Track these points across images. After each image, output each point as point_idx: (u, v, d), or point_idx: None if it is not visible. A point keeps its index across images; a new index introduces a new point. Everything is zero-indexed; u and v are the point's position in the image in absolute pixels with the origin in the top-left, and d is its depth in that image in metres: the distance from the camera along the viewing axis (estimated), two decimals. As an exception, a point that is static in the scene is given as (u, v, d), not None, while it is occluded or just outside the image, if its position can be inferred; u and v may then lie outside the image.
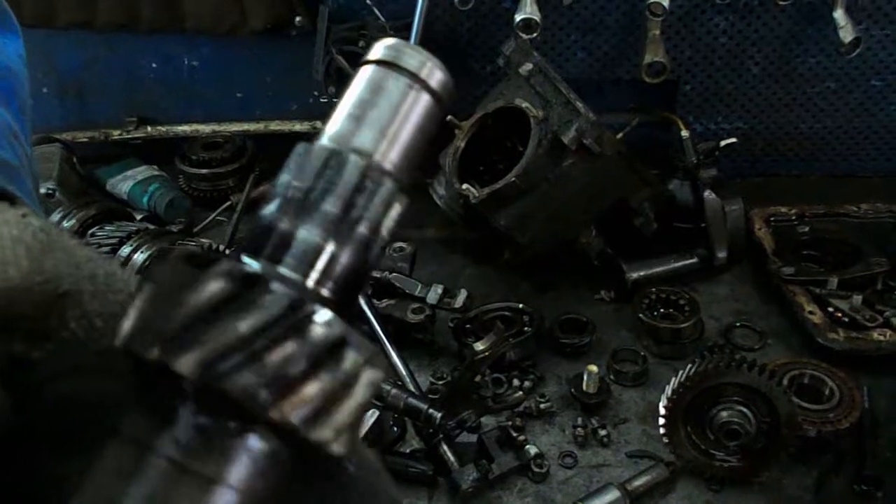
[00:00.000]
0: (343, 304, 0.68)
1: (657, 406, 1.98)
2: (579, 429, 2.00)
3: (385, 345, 2.15)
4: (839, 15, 2.42)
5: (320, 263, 0.63)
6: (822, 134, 2.81)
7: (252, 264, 0.64)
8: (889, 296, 2.25)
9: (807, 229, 2.53)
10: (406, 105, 0.68)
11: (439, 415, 1.82)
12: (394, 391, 1.87)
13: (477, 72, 2.68)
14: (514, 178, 2.15)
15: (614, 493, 1.81)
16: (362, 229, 0.65)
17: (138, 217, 2.72)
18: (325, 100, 2.73)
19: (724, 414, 1.80)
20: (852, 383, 1.97)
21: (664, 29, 2.45)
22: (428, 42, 2.54)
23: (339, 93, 2.69)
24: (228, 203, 2.80)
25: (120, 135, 3.05)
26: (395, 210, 0.69)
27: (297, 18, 2.73)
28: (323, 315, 0.57)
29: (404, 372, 2.09)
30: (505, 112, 2.29)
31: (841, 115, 2.75)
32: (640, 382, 2.14)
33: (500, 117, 2.32)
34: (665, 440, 1.87)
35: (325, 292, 0.64)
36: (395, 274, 2.28)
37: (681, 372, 1.84)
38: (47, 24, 2.76)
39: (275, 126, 3.03)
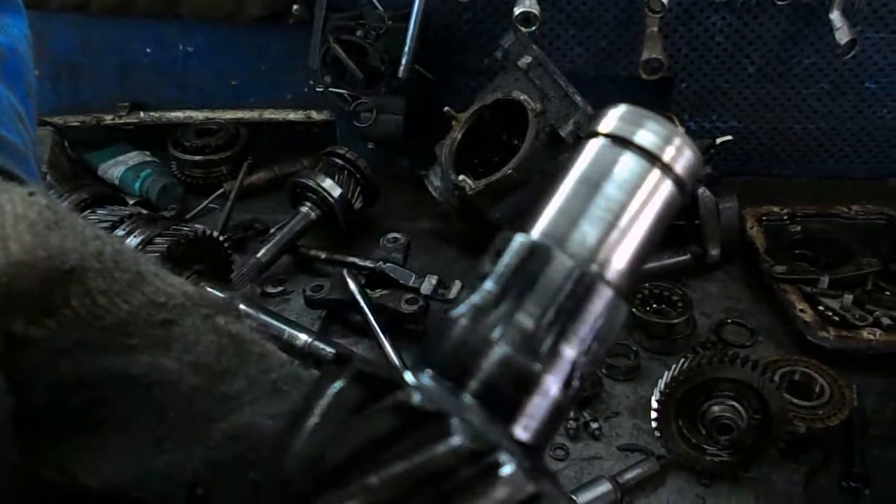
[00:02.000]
0: (539, 449, 0.55)
1: (649, 400, 1.99)
2: (571, 422, 2.00)
3: (378, 335, 2.15)
4: (835, 16, 2.43)
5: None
6: (815, 135, 2.83)
7: (430, 388, 0.51)
8: (879, 296, 2.27)
9: (798, 229, 2.55)
10: (642, 194, 0.55)
11: (433, 405, 1.82)
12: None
13: (475, 64, 2.68)
14: (510, 170, 2.15)
15: (605, 486, 1.81)
16: (570, 352, 0.52)
17: (130, 202, 2.69)
18: (321, 89, 2.71)
19: (716, 409, 1.81)
20: (842, 381, 1.98)
21: (662, 26, 2.46)
22: (426, 33, 2.54)
23: (335, 83, 2.71)
24: (221, 190, 2.78)
25: (112, 120, 3.03)
26: (615, 329, 0.56)
27: (295, 7, 2.71)
28: (509, 469, 0.46)
29: (398, 362, 2.09)
30: (502, 105, 2.29)
31: (834, 116, 2.77)
32: (631, 377, 2.14)
33: (498, 110, 2.33)
34: (657, 434, 1.88)
35: (520, 433, 0.52)
36: (388, 264, 2.28)
37: (673, 366, 1.85)
38: (41, 7, 2.74)
39: (269, 114, 3.02)
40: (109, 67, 2.98)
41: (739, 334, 2.28)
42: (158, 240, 2.05)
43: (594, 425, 2.00)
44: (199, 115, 3.01)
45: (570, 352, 0.50)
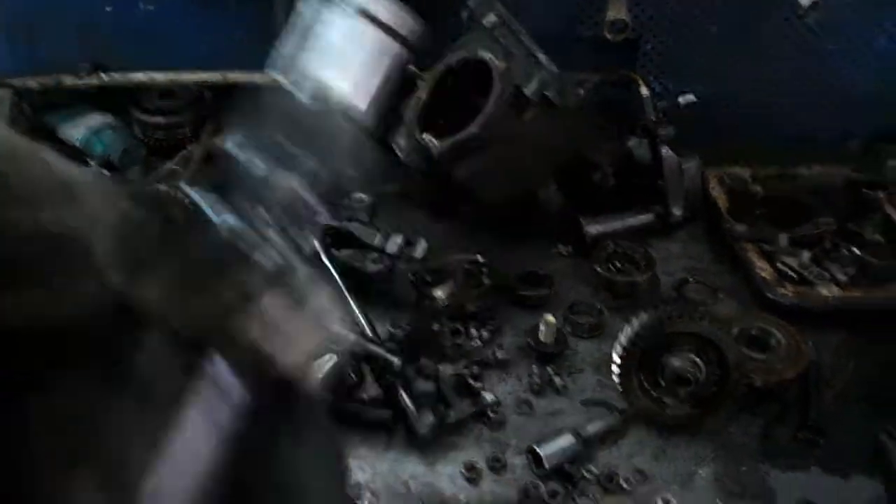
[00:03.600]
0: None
1: (611, 357, 2.03)
2: (535, 377, 2.04)
3: (344, 294, 2.15)
4: (798, -23, 2.45)
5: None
6: (777, 98, 2.86)
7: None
8: (836, 254, 2.32)
9: (760, 189, 2.58)
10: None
11: (398, 361, 1.84)
12: (353, 337, 1.87)
13: (440, 24, 2.66)
14: (475, 130, 2.15)
15: (568, 438, 1.85)
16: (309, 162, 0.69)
17: (92, 165, 2.66)
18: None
19: (676, 362, 1.85)
20: (799, 336, 2.03)
21: (627, -13, 2.46)
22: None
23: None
24: (184, 152, 2.75)
25: (73, 81, 2.96)
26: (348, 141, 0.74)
27: (260, -36, 2.67)
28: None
29: (363, 320, 2.09)
30: (467, 65, 2.28)
31: (797, 79, 2.79)
32: (595, 334, 2.18)
33: (463, 70, 2.32)
34: (619, 388, 1.91)
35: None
36: (354, 223, 2.28)
37: (634, 320, 1.88)
38: (-4, -37, 2.67)
39: (234, 77, 2.97)
40: (68, 27, 2.91)
41: (701, 292, 2.32)
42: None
43: (558, 381, 2.03)
44: (161, 77, 2.94)
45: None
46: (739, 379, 1.86)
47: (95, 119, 2.84)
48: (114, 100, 2.94)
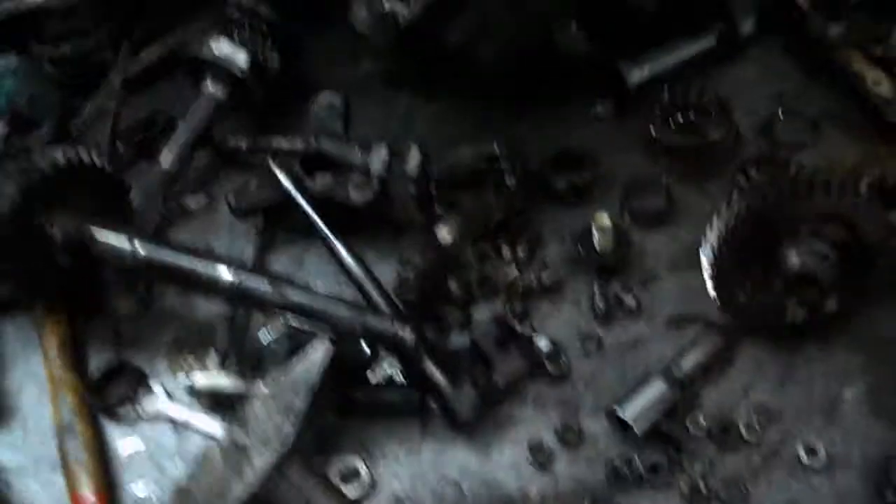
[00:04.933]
0: None
1: (692, 247, 1.50)
2: (598, 299, 1.52)
3: (331, 241, 1.64)
4: None
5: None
6: None
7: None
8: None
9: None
10: None
11: (412, 336, 1.34)
12: (346, 312, 1.38)
13: None
14: (453, -22, 1.53)
15: (658, 387, 1.36)
16: None
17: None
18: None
19: (795, 257, 1.31)
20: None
21: None
22: None
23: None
24: (107, 84, 2.18)
25: (-44, 20, 2.36)
26: None
27: None
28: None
29: (361, 273, 1.59)
30: None
31: None
32: (665, 221, 1.63)
33: None
34: (717, 301, 1.39)
35: None
36: (324, 139, 1.72)
37: (721, 209, 1.33)
38: None
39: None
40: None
41: (797, 131, 1.73)
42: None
43: (629, 299, 1.52)
44: (58, -10, 2.33)
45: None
46: (887, 258, 1.31)
47: (-8, 64, 2.27)
48: (12, 33, 2.35)
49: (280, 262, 1.76)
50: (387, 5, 1.58)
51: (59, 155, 1.59)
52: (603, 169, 1.72)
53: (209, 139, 1.94)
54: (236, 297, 1.46)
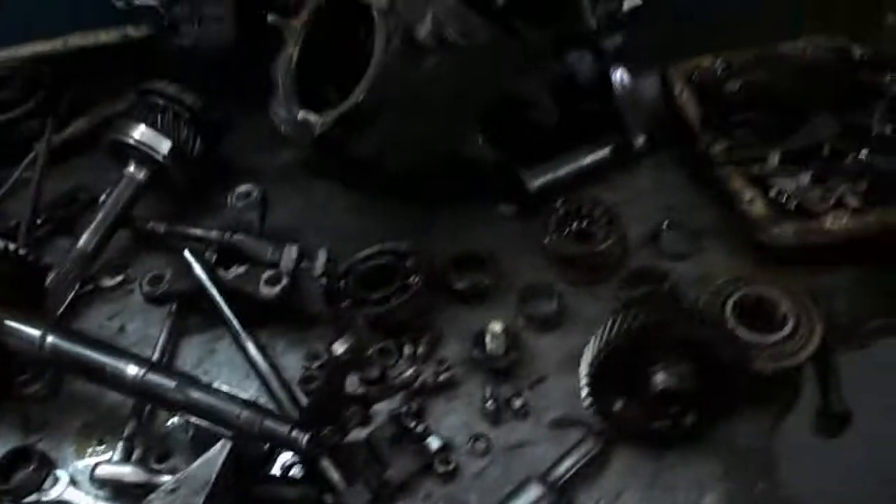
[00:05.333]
0: None
1: (580, 351, 1.62)
2: (489, 401, 1.63)
3: (238, 335, 1.71)
4: None
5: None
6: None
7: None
8: (839, 164, 1.85)
9: (737, 86, 2.08)
10: None
11: (305, 437, 1.42)
12: (245, 414, 1.45)
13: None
14: (361, 97, 1.64)
15: (536, 490, 1.46)
16: None
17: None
18: (121, 4, 2.11)
19: (661, 377, 1.44)
20: (807, 299, 1.61)
21: None
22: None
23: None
24: (32, 155, 2.21)
25: None
26: None
27: None
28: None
29: (265, 367, 1.67)
30: (341, 3, 1.73)
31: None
32: (556, 325, 1.75)
33: (337, 9, 1.77)
34: (592, 411, 1.51)
35: None
36: (238, 236, 1.80)
37: (600, 331, 1.45)
38: None
39: (76, 41, 2.39)
40: None
41: (680, 241, 1.87)
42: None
43: (517, 402, 1.63)
44: (-11, 58, 2.37)
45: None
46: (742, 379, 1.45)
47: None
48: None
49: (192, 347, 1.82)
50: (300, 115, 1.68)
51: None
52: (503, 270, 1.84)
53: (128, 220, 2.00)
54: (141, 393, 1.52)
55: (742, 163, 1.90)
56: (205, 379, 1.74)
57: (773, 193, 1.82)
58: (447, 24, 1.57)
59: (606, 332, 1.43)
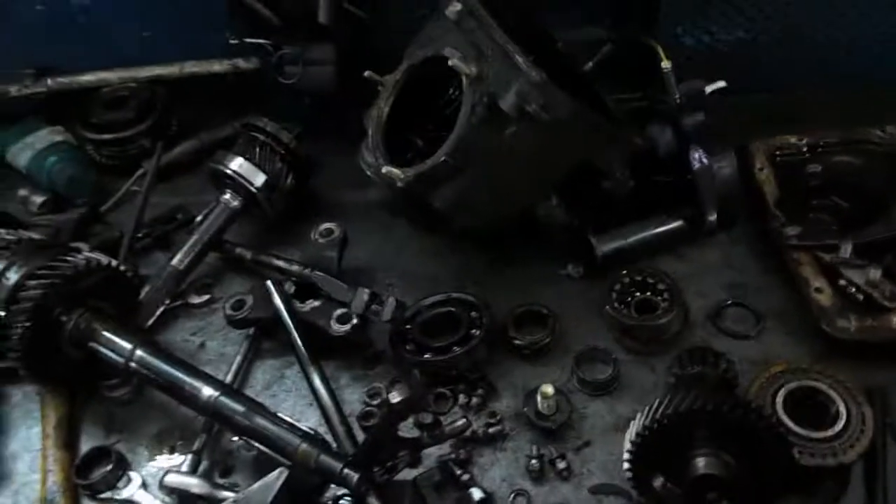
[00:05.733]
0: None
1: (627, 422, 1.67)
2: (534, 460, 1.69)
3: (305, 363, 1.83)
4: None
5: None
6: (839, 38, 2.30)
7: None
8: (915, 261, 1.84)
9: (819, 168, 2.08)
10: None
11: (356, 477, 1.51)
12: (304, 447, 1.56)
13: (402, 14, 2.19)
14: (443, 156, 1.73)
15: (570, 554, 1.52)
16: None
17: (39, 200, 2.36)
18: (234, 41, 2.28)
19: (701, 463, 1.47)
20: (862, 397, 1.61)
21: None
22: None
23: (250, 31, 2.24)
24: (141, 171, 2.41)
25: (18, 90, 2.61)
26: None
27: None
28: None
29: (327, 399, 1.77)
30: (433, 64, 1.83)
31: (863, 15, 2.22)
32: (609, 390, 1.80)
33: (431, 66, 1.87)
34: (634, 491, 1.56)
35: None
36: (317, 273, 1.92)
37: (648, 407, 1.50)
38: None
39: (191, 68, 2.57)
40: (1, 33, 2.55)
41: (742, 321, 1.90)
42: (31, 282, 1.72)
43: (561, 464, 1.68)
44: (112, 76, 2.58)
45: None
46: (784, 470, 1.47)
47: (43, 138, 2.51)
48: (64, 108, 2.60)
49: (264, 371, 1.95)
50: (385, 169, 1.79)
51: (82, 261, 1.79)
52: (563, 330, 1.90)
53: (219, 244, 2.15)
54: (212, 414, 1.65)
55: (813, 248, 1.91)
56: (271, 402, 1.86)
57: (842, 282, 1.83)
58: (531, 97, 1.65)
59: (654, 410, 1.47)
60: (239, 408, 1.62)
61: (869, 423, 1.57)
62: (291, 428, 1.59)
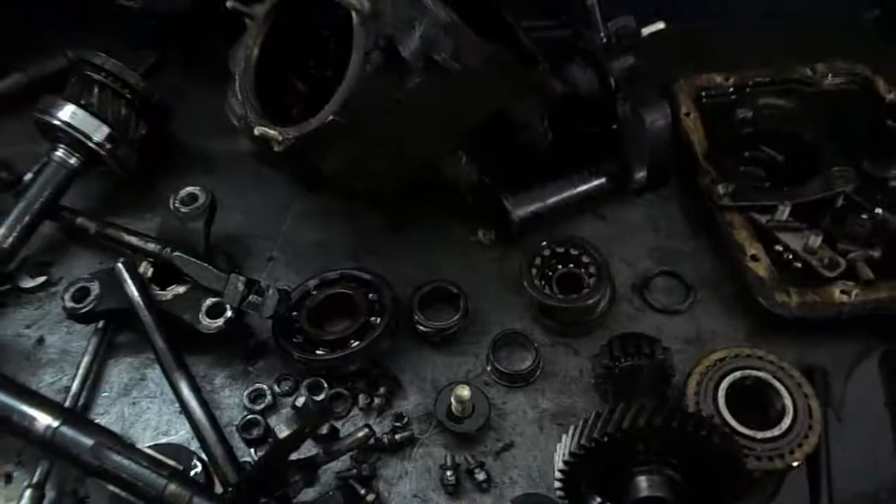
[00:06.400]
0: None
1: (552, 416, 1.48)
2: (448, 471, 1.46)
3: (170, 369, 1.50)
4: None
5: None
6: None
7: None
8: (854, 220, 1.68)
9: (749, 114, 1.88)
10: None
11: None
12: (171, 488, 1.26)
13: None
14: (332, 113, 1.40)
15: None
16: None
17: None
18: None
19: (644, 482, 1.28)
20: (808, 388, 1.45)
21: None
22: None
23: None
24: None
25: None
26: None
27: None
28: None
29: (200, 413, 1.47)
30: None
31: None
32: (530, 381, 1.58)
33: (307, 3, 1.51)
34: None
35: None
36: (178, 255, 1.57)
37: (573, 428, 1.28)
38: None
39: None
40: None
41: (671, 291, 1.71)
42: None
43: (480, 474, 1.46)
44: None
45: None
46: (733, 484, 1.31)
47: None
48: None
49: (120, 372, 1.62)
50: (257, 130, 1.44)
51: None
52: (475, 307, 1.65)
53: (55, 212, 1.75)
54: (51, 451, 1.32)
55: (748, 209, 1.72)
56: (131, 411, 1.56)
57: (778, 248, 1.66)
58: (437, 42, 1.33)
59: (591, 427, 1.26)
60: (86, 442, 1.30)
61: (816, 418, 1.42)
62: (155, 465, 1.29)
